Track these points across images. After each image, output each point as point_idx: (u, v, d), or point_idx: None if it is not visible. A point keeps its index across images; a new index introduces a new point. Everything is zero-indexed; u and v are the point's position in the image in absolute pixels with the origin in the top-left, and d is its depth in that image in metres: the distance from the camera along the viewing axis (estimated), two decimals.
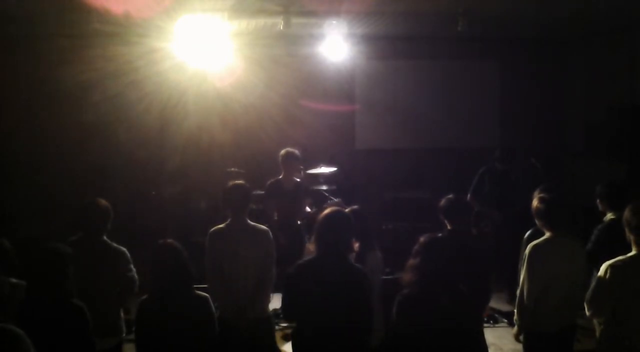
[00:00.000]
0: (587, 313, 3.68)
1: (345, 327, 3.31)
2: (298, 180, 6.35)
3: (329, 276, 3.34)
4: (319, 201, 6.82)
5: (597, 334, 3.75)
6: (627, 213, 3.59)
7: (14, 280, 3.58)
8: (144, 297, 3.43)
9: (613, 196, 4.55)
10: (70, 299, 3.26)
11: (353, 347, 3.38)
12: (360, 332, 3.39)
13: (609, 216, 4.54)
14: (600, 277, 3.54)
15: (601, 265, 3.57)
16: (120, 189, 7.51)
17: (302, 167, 6.70)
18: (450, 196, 4.48)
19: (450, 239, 4.14)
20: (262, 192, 6.77)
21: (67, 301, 3.24)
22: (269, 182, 6.21)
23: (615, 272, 3.47)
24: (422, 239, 3.20)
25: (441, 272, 3.04)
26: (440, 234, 3.42)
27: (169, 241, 3.44)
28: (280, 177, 6.19)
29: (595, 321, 4.19)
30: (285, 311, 3.54)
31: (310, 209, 6.52)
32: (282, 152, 6.16)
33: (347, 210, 4.18)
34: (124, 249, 4.11)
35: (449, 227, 4.38)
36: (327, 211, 3.56)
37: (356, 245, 3.89)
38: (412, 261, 3.15)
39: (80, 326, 3.23)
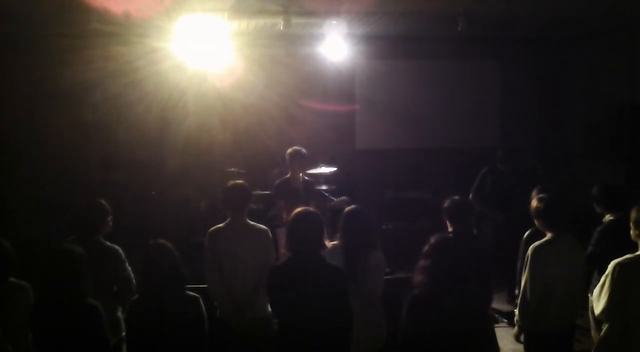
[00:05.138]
0: (596, 312, 3.58)
1: (326, 325, 3.32)
2: (307, 178, 6.27)
3: (304, 277, 3.35)
4: (319, 201, 6.81)
5: (595, 339, 3.74)
6: (634, 213, 3.54)
7: (13, 280, 3.59)
8: (135, 297, 3.44)
9: (609, 198, 4.55)
10: (86, 299, 3.27)
11: (335, 345, 3.38)
12: (340, 330, 3.39)
13: (608, 217, 4.54)
14: (608, 275, 3.47)
15: (601, 265, 3.55)
16: (120, 189, 7.51)
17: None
18: (456, 197, 4.47)
19: (459, 239, 4.13)
20: (262, 192, 6.75)
21: (83, 301, 3.26)
22: (276, 183, 6.13)
23: (623, 270, 3.41)
24: (432, 239, 3.17)
25: (452, 273, 3.02)
26: (450, 235, 3.38)
27: (160, 241, 3.43)
28: (288, 176, 6.12)
29: (592, 329, 4.20)
30: None
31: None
32: (289, 150, 6.06)
33: (347, 209, 4.19)
34: (117, 247, 4.11)
35: (450, 229, 4.37)
36: (295, 212, 3.57)
37: (327, 242, 3.90)
38: (422, 262, 3.13)
39: (96, 325, 3.25)
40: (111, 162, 7.81)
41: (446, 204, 4.42)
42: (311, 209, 3.68)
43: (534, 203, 4.18)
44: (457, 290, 3.00)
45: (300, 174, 6.14)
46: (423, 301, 3.06)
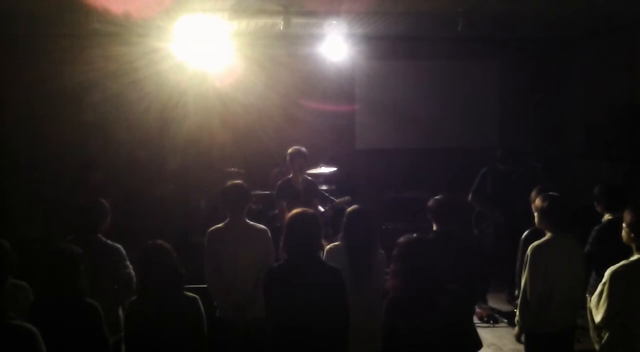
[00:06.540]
0: (596, 320, 3.54)
1: (323, 326, 3.31)
2: (309, 178, 6.21)
3: (302, 279, 3.33)
4: (321, 200, 6.80)
5: (594, 339, 3.71)
6: (628, 216, 3.49)
7: (13, 280, 3.59)
8: (133, 298, 3.44)
9: (609, 198, 4.55)
10: (84, 299, 3.28)
11: (332, 346, 3.37)
12: (338, 330, 3.38)
13: (607, 216, 4.54)
14: (605, 283, 3.44)
15: (599, 265, 3.54)
16: (121, 189, 7.50)
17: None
18: (438, 196, 4.44)
19: (434, 238, 4.12)
20: (262, 192, 6.73)
21: (81, 300, 3.27)
22: (279, 183, 6.07)
23: (620, 278, 3.38)
24: (399, 241, 3.14)
25: (423, 274, 3.00)
26: (415, 235, 3.35)
27: (158, 241, 3.42)
28: (290, 176, 6.07)
29: (592, 329, 4.20)
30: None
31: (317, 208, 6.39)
32: (290, 150, 5.99)
33: (349, 209, 4.18)
34: (118, 245, 4.12)
35: (435, 228, 4.35)
36: (292, 213, 3.53)
37: (325, 245, 3.88)
38: (392, 266, 3.10)
39: (95, 325, 3.26)
40: (88, 164, 7.65)
41: (430, 203, 4.39)
42: (309, 210, 3.65)
43: (538, 202, 4.15)
44: (430, 290, 2.97)
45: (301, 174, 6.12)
46: (398, 303, 3.03)
